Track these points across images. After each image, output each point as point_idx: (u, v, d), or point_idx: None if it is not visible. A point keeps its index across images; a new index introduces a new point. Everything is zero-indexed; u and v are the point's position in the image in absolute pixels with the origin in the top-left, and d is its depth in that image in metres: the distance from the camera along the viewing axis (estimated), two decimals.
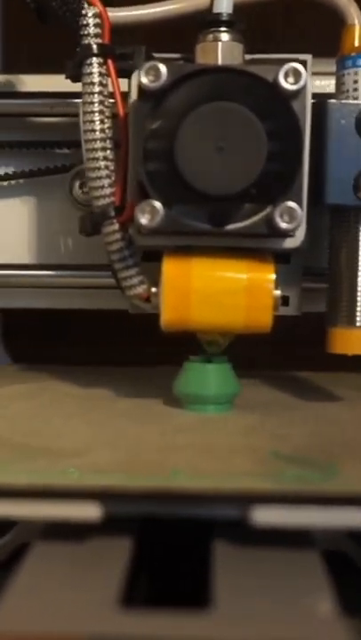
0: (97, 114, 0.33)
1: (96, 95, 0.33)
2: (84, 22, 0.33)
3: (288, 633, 0.19)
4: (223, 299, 0.33)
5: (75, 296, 0.44)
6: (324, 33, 0.34)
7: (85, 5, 0.33)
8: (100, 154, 0.34)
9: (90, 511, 0.23)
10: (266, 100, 0.31)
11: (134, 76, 0.32)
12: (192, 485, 0.24)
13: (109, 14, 0.34)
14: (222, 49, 0.34)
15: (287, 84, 0.30)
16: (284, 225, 0.31)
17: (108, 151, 0.34)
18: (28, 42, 0.52)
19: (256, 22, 0.35)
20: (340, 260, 0.35)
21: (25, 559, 0.23)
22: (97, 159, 0.34)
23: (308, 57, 0.35)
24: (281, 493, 0.24)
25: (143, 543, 0.24)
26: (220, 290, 0.33)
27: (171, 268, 0.33)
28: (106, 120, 0.34)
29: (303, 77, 0.30)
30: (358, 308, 0.35)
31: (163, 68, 0.30)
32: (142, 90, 0.31)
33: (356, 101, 0.34)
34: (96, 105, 0.33)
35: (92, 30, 0.33)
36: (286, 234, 0.31)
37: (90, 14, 0.34)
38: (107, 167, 0.34)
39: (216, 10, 0.34)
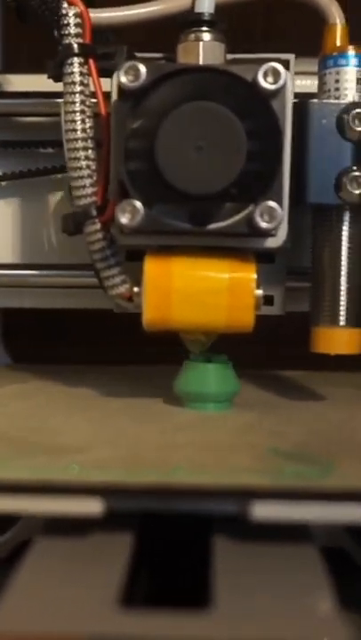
0: (78, 113, 0.34)
1: (77, 95, 0.34)
2: (65, 22, 0.34)
3: (288, 632, 0.19)
4: (205, 298, 0.33)
5: (74, 296, 0.44)
6: (305, 33, 0.34)
7: (65, 5, 0.34)
8: (82, 153, 0.34)
9: (92, 506, 0.23)
10: (245, 99, 0.31)
11: (114, 76, 0.32)
12: (192, 481, 0.25)
13: (93, 15, 0.34)
14: (204, 49, 0.34)
15: (266, 84, 0.30)
16: (264, 224, 0.31)
17: (90, 151, 0.34)
18: (28, 42, 0.51)
19: (237, 22, 0.35)
20: (322, 260, 0.35)
21: (26, 556, 0.23)
22: (78, 159, 0.34)
23: (290, 57, 0.35)
24: (279, 489, 0.24)
25: (144, 539, 0.24)
26: (201, 289, 0.33)
27: (152, 267, 0.33)
28: (87, 120, 0.34)
29: (283, 77, 0.30)
30: (341, 308, 0.35)
31: (142, 67, 0.30)
32: (122, 89, 0.31)
33: (337, 101, 0.34)
34: (77, 105, 0.34)
35: (72, 30, 0.34)
36: (267, 233, 0.31)
37: (70, 14, 0.34)
38: (88, 167, 0.34)
39: (198, 9, 0.34)
